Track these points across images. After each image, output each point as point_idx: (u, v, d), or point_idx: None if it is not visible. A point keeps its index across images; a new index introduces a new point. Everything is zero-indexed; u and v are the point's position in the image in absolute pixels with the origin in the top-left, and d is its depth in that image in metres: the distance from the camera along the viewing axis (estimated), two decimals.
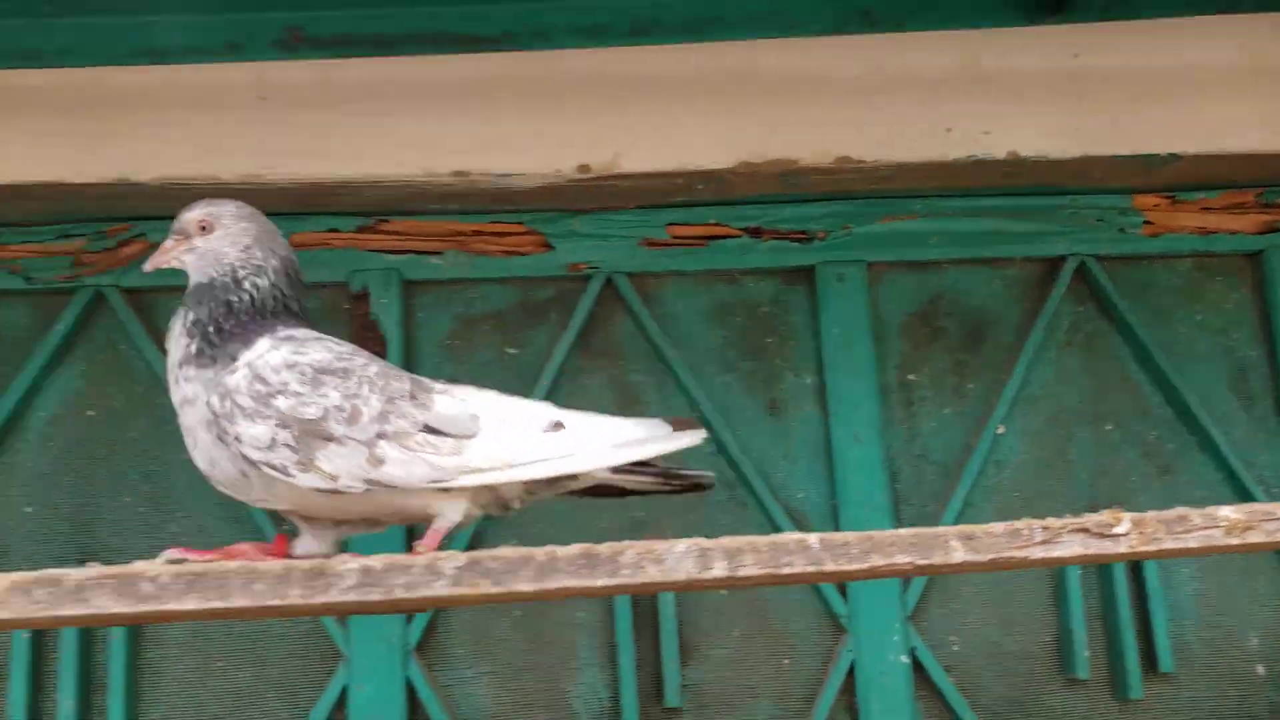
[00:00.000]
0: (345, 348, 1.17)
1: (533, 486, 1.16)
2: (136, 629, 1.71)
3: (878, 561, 0.83)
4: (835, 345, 1.83)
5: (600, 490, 1.24)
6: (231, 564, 0.79)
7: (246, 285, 1.17)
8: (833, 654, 1.75)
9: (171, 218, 1.74)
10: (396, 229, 1.84)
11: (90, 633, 1.70)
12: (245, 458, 1.07)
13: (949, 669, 1.74)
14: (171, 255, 1.22)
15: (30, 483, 1.76)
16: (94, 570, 0.82)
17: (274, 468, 1.08)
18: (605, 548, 0.80)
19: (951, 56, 1.71)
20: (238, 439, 1.07)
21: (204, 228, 1.23)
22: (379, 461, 1.09)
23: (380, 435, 1.10)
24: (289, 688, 1.73)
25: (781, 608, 1.78)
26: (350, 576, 0.82)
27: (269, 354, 1.12)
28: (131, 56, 1.45)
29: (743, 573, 0.81)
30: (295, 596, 0.83)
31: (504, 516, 1.23)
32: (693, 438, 1.18)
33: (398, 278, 1.82)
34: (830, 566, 0.82)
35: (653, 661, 1.75)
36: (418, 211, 1.83)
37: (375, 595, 0.83)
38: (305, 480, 1.08)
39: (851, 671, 1.73)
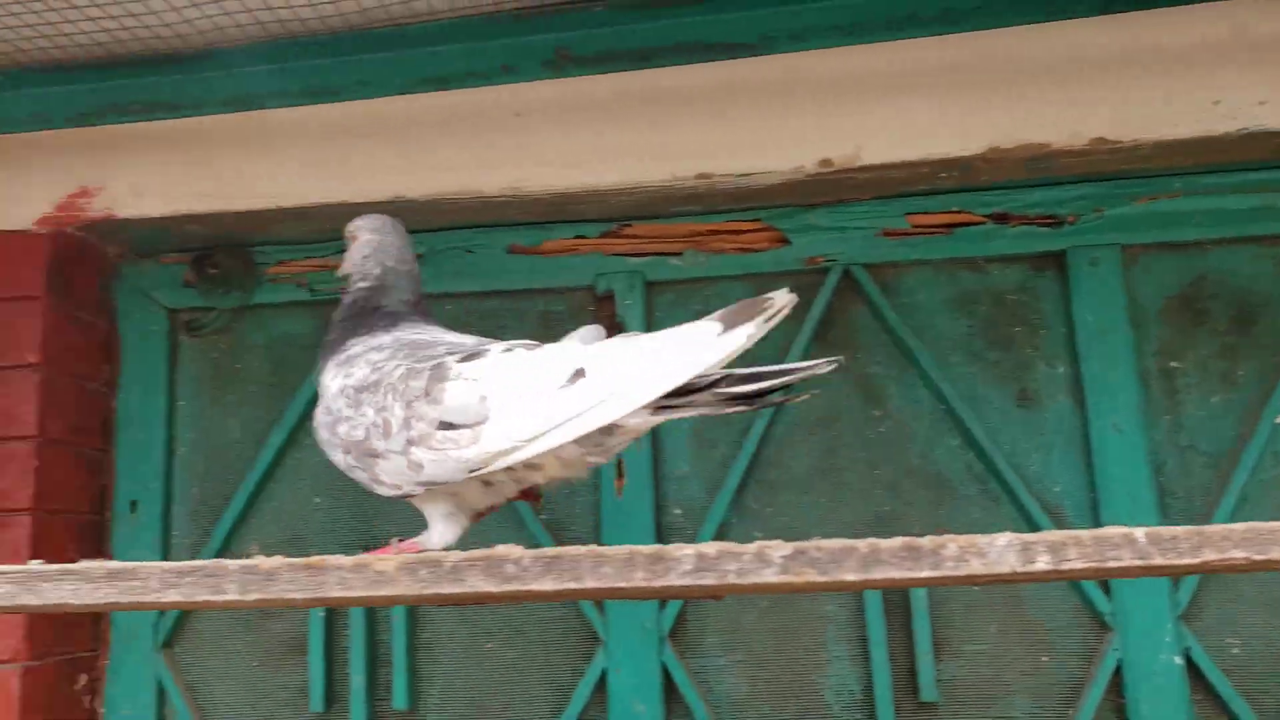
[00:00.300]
0: (386, 351, 1.21)
1: (581, 443, 1.06)
2: (412, 613, 1.85)
3: (1210, 556, 0.80)
4: (1090, 332, 1.76)
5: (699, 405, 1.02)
6: (580, 549, 0.85)
7: (351, 292, 1.33)
8: (1097, 652, 1.69)
9: (437, 230, 1.89)
10: (638, 232, 1.91)
11: (374, 615, 1.85)
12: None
13: (1228, 672, 1.65)
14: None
15: (319, 477, 1.93)
16: (466, 554, 0.90)
17: (360, 483, 1.19)
18: (927, 541, 0.81)
19: (1219, 25, 1.62)
20: (335, 463, 1.22)
21: (351, 238, 1.40)
22: (418, 466, 1.11)
23: (409, 442, 1.11)
24: (550, 669, 1.83)
25: (1039, 603, 1.73)
26: (687, 562, 0.86)
27: (330, 384, 1.24)
28: (418, 85, 1.57)
29: (1067, 566, 0.81)
30: (639, 580, 0.87)
31: (596, 466, 1.14)
32: (741, 335, 0.97)
33: (640, 279, 1.89)
34: (1159, 561, 0.80)
35: (905, 655, 1.75)
36: (659, 214, 1.89)
37: (709, 580, 0.86)
38: (382, 491, 1.17)
39: (1118, 671, 1.66)
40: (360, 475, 1.18)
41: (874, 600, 1.75)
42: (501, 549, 0.91)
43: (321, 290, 1.95)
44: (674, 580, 0.82)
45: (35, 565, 0.93)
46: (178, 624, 1.89)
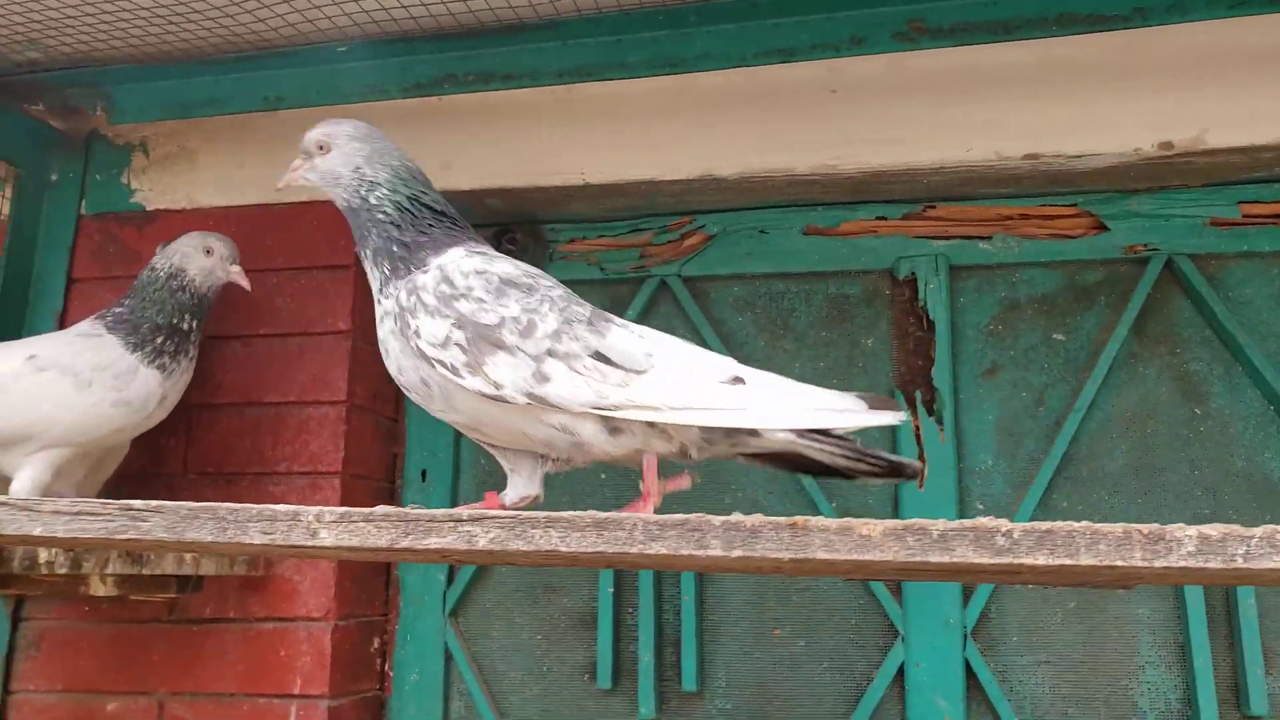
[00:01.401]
0: (535, 270, 1.19)
1: (710, 436, 1.12)
2: (701, 595, 1.83)
3: None
4: None
5: (786, 460, 1.18)
6: (1075, 525, 0.81)
7: (373, 202, 1.21)
8: None
9: (731, 210, 1.87)
10: (943, 214, 1.85)
11: (661, 594, 1.84)
12: (420, 353, 1.09)
13: None
14: (298, 174, 1.28)
15: None
16: (955, 524, 0.86)
17: (444, 365, 1.08)
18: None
19: None
20: (416, 333, 1.10)
21: (321, 148, 1.26)
22: (544, 378, 1.08)
23: (550, 353, 1.09)
24: (843, 660, 1.79)
25: None
26: (1189, 544, 0.82)
27: (462, 260, 1.16)
28: (763, 57, 1.54)
29: None
30: (1137, 559, 0.83)
31: (685, 462, 1.17)
32: (891, 417, 1.10)
33: (945, 263, 1.83)
34: None
35: (1228, 665, 1.66)
36: (965, 197, 1.83)
37: (1215, 564, 0.82)
38: (471, 383, 1.08)
39: None
40: (449, 355, 1.09)
41: (1196, 605, 1.66)
42: (985, 521, 0.88)
43: (612, 269, 1.95)
44: (1174, 562, 0.78)
45: (524, 511, 0.93)
46: (465, 593, 1.91)
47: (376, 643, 1.88)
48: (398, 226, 1.19)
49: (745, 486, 1.88)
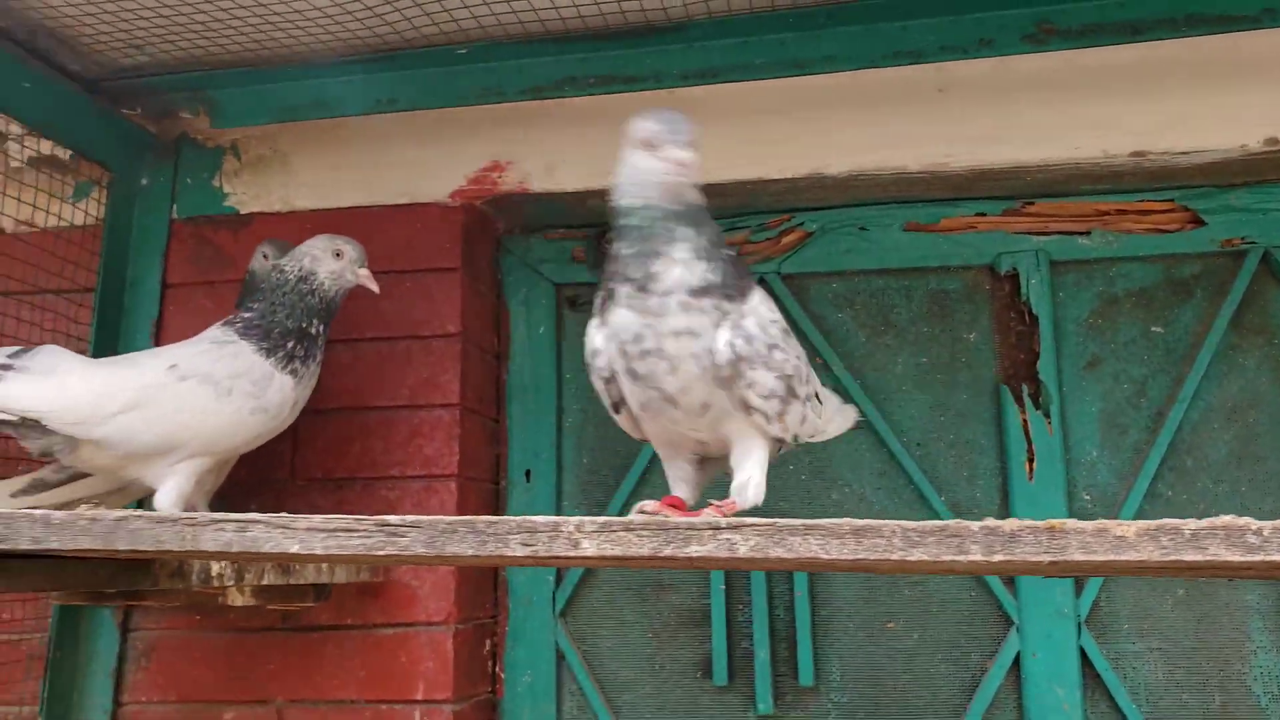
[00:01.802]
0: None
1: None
2: (813, 590, 1.85)
3: None
4: None
5: None
6: None
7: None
8: None
9: (841, 207, 1.88)
10: (1041, 210, 1.88)
11: (773, 590, 1.85)
12: (745, 402, 1.08)
13: None
14: (694, 167, 1.11)
15: None
16: (1205, 522, 0.88)
17: (765, 415, 1.09)
18: None
19: None
20: (750, 385, 1.07)
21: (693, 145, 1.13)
22: (803, 420, 1.16)
23: (808, 396, 1.18)
24: (957, 651, 1.81)
25: None
26: None
27: (761, 305, 1.12)
28: (888, 59, 1.56)
29: None
30: None
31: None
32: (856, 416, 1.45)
33: (1045, 258, 1.87)
34: None
35: None
36: (1064, 193, 1.86)
37: None
38: (772, 430, 1.11)
39: None
40: (770, 407, 1.09)
41: None
42: (1233, 520, 0.90)
43: None
44: None
45: (781, 520, 0.93)
46: (574, 593, 1.92)
47: (488, 645, 1.88)
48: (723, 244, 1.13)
49: (851, 482, 1.90)
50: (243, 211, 1.94)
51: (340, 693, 1.73)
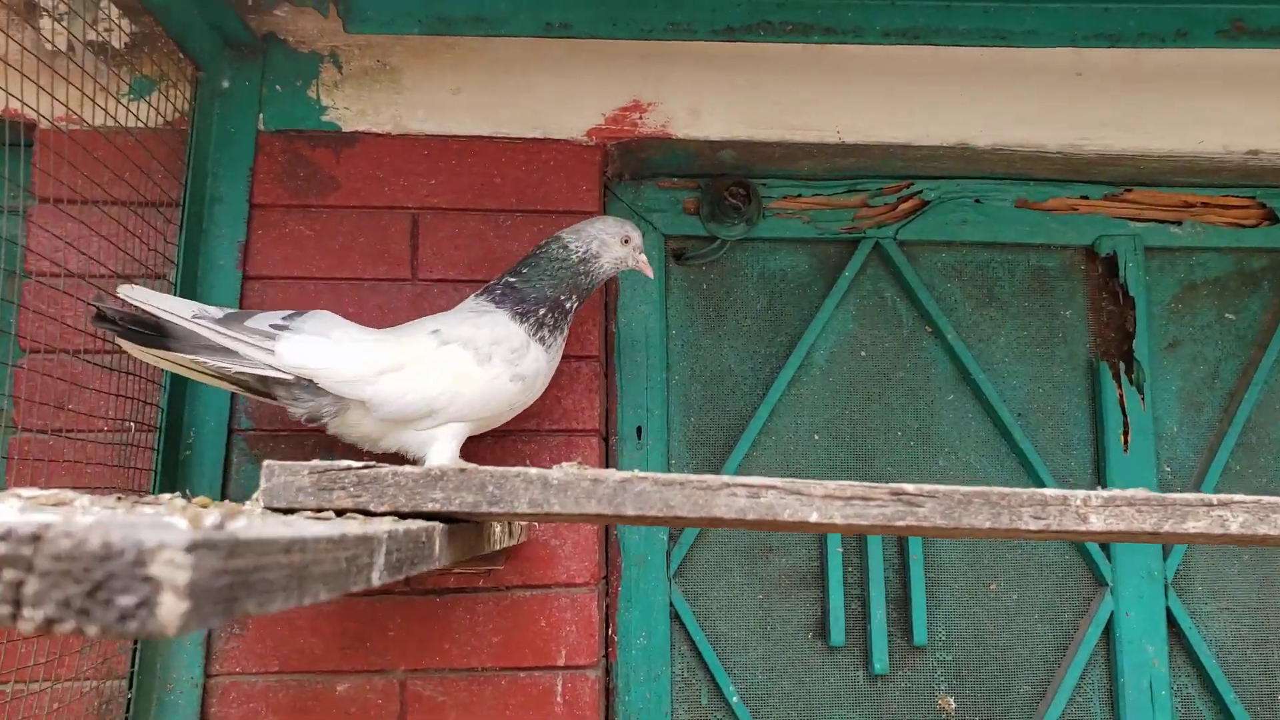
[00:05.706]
0: None
1: None
2: (923, 555, 1.88)
3: None
4: None
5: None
6: None
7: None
8: None
9: (960, 178, 1.91)
10: (1139, 198, 1.99)
11: (890, 554, 1.87)
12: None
13: None
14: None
15: (816, 413, 1.94)
16: None
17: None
18: None
19: None
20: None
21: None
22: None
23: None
24: (1053, 611, 1.90)
25: None
26: None
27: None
28: (1087, 40, 1.59)
29: None
30: None
31: None
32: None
33: (1141, 244, 1.98)
34: None
35: None
36: (1162, 183, 1.98)
37: None
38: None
39: None
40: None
41: None
42: None
43: (826, 229, 1.94)
44: None
45: (1265, 498, 0.92)
46: (688, 553, 1.86)
47: (605, 606, 1.80)
48: None
49: (958, 450, 1.95)
50: (345, 129, 1.74)
51: (470, 660, 1.61)
